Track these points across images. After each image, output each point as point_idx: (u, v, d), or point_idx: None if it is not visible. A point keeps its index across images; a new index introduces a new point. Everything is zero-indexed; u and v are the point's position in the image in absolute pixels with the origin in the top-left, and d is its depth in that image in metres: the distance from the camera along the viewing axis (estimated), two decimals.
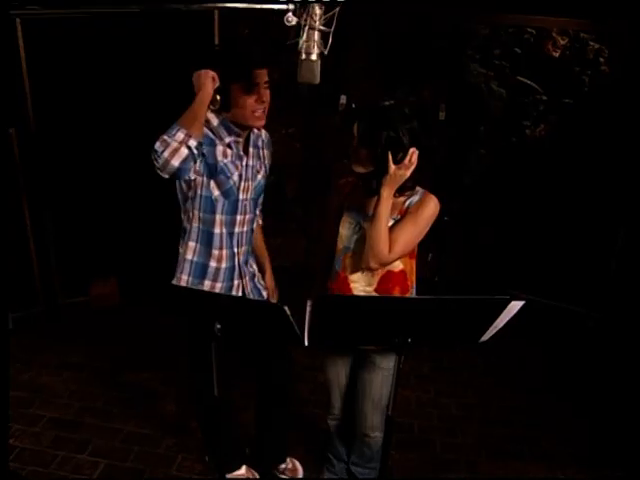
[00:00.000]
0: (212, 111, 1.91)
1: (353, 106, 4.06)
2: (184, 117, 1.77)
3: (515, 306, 1.52)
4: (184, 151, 1.72)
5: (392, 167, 1.74)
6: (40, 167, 3.51)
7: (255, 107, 1.89)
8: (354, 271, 1.94)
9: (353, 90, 4.07)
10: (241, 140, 1.99)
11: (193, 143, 1.74)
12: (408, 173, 1.76)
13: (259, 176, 2.08)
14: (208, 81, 1.79)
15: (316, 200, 4.30)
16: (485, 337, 1.68)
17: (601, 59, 3.92)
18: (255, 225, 2.20)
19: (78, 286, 3.84)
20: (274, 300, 2.29)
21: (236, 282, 2.09)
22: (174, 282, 2.06)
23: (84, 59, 3.43)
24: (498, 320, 1.58)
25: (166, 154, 1.71)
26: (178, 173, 1.76)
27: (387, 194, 1.78)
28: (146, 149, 1.80)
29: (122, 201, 3.80)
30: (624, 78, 3.82)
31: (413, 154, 1.74)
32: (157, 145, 1.72)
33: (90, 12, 3.23)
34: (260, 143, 2.11)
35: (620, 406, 3.09)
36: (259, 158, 2.09)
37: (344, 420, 2.31)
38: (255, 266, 2.22)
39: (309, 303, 1.43)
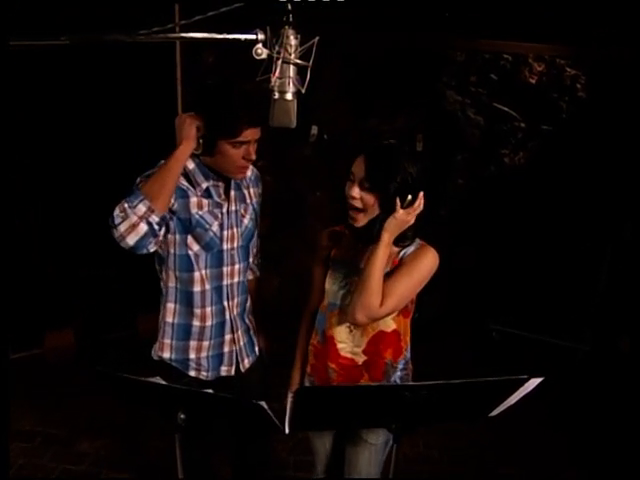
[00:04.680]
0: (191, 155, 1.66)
1: (325, 137, 3.87)
2: (152, 183, 1.51)
3: (532, 383, 1.31)
4: (143, 227, 1.49)
5: (400, 211, 1.53)
6: None
7: (240, 162, 1.66)
8: (341, 330, 1.72)
9: (324, 119, 3.88)
10: (221, 184, 1.74)
11: (155, 219, 1.50)
12: (413, 219, 1.56)
13: (245, 220, 1.83)
14: (192, 132, 1.54)
15: (290, 236, 4.08)
16: (495, 413, 1.47)
17: (578, 85, 3.84)
18: (251, 277, 2.01)
19: (32, 338, 3.51)
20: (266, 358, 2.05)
21: (227, 337, 1.85)
22: (156, 348, 1.84)
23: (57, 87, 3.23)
24: (511, 397, 1.37)
25: (122, 228, 1.48)
26: (133, 250, 1.54)
27: (388, 240, 1.57)
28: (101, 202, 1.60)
29: (80, 244, 3.53)
30: (601, 103, 3.76)
31: (421, 198, 1.55)
32: (116, 212, 1.49)
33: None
34: (245, 183, 1.86)
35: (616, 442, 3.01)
36: (243, 200, 1.84)
37: None
38: (252, 318, 1.99)
39: (290, 395, 1.19)
